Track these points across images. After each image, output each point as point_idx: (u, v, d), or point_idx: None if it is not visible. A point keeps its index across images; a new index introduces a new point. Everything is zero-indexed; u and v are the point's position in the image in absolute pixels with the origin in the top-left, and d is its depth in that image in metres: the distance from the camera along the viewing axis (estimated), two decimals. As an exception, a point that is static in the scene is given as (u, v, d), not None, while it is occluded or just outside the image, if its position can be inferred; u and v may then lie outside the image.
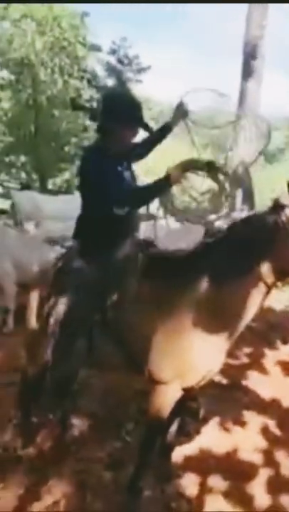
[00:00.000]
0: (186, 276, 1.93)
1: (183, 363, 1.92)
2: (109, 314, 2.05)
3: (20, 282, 4.47)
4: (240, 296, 1.84)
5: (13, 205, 7.77)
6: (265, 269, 1.79)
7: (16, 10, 12.27)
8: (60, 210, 6.67)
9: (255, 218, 1.93)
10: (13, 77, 13.57)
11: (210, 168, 2.05)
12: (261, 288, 1.83)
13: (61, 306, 2.14)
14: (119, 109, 2.08)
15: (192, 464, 2.43)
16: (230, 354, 3.80)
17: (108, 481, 2.27)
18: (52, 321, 2.15)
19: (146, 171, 10.20)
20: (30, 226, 5.81)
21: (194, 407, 2.79)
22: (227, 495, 2.22)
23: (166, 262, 2.10)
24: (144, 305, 2.00)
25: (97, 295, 2.06)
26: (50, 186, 14.87)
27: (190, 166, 2.03)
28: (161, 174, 2.03)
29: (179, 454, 2.46)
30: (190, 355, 1.90)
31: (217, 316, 1.86)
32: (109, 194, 2.01)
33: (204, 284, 1.87)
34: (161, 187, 2.05)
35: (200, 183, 2.14)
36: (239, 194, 8.02)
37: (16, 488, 2.21)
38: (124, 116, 2.07)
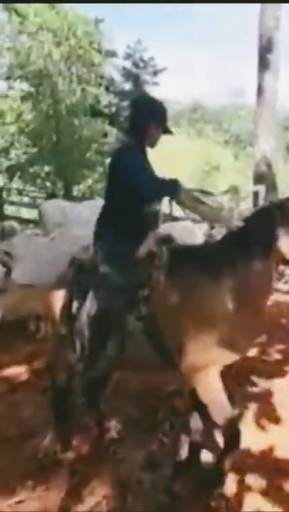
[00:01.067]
0: (213, 265, 2.10)
1: (218, 345, 2.03)
2: (143, 310, 2.14)
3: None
4: (263, 277, 2.04)
5: (40, 214, 7.92)
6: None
7: (32, 23, 12.54)
8: (86, 216, 6.79)
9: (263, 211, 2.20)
10: (33, 89, 13.86)
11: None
12: (274, 267, 2.07)
13: (89, 307, 2.21)
14: (152, 110, 2.35)
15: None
16: (263, 351, 3.80)
17: (147, 481, 2.31)
18: (79, 323, 2.23)
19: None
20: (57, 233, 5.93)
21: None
22: (265, 493, 2.22)
23: (192, 254, 2.28)
24: (174, 297, 2.10)
25: (127, 293, 2.15)
26: (75, 193, 15.08)
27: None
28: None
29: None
30: (224, 336, 2.02)
31: (245, 296, 2.03)
32: (147, 188, 2.19)
33: (231, 270, 2.05)
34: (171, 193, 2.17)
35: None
36: (262, 189, 7.94)
37: (58, 491, 2.28)
38: (156, 117, 2.34)
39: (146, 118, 2.32)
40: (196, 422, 2.33)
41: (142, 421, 2.84)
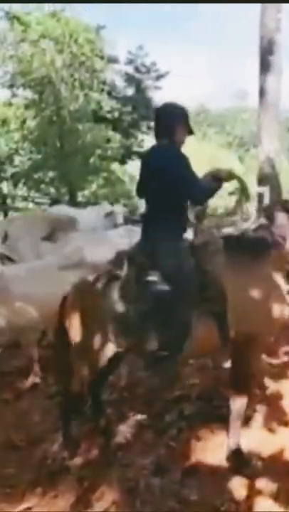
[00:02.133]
0: (256, 249, 2.53)
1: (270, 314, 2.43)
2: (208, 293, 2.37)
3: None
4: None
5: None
6: None
7: (34, 31, 12.64)
8: (91, 221, 6.84)
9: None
10: (36, 96, 13.96)
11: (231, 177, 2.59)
12: None
13: (153, 296, 2.36)
14: (178, 113, 2.62)
15: (239, 466, 2.42)
16: (271, 353, 3.77)
17: (156, 486, 2.29)
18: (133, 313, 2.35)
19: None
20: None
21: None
22: (276, 497, 2.20)
23: (240, 242, 2.69)
24: (232, 280, 2.38)
25: (192, 278, 2.39)
26: (79, 198, 15.13)
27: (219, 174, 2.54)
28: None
29: (225, 457, 2.46)
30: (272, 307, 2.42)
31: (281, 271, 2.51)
32: (194, 185, 2.48)
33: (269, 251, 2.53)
34: (216, 187, 2.53)
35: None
36: (267, 191, 7.93)
37: (67, 497, 2.27)
38: (182, 119, 2.60)
39: (174, 120, 2.58)
40: None
41: (149, 426, 2.82)
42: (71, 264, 3.72)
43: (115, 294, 2.40)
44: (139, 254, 2.49)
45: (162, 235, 2.47)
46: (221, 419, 2.61)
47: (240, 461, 2.42)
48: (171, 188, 2.45)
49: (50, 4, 12.83)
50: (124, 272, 2.43)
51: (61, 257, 3.91)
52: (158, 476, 2.35)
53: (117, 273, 2.44)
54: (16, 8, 11.82)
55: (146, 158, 2.71)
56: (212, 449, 2.56)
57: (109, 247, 3.58)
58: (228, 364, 3.53)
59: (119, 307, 2.37)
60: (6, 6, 9.95)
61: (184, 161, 2.47)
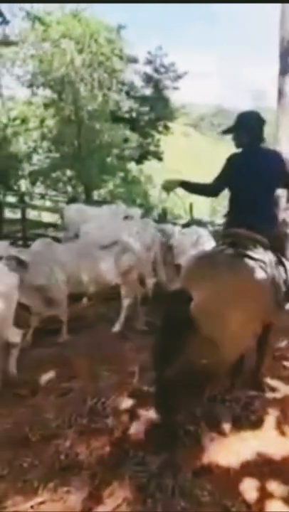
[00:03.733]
0: None
1: None
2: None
3: (72, 293, 4.65)
4: None
5: (62, 218, 8.06)
6: None
7: (55, 31, 12.78)
8: (107, 219, 6.91)
9: None
10: (55, 96, 14.10)
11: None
12: None
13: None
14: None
15: (250, 468, 2.42)
16: (282, 356, 3.76)
17: (167, 485, 2.31)
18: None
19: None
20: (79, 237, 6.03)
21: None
22: (287, 500, 2.19)
23: None
24: None
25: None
26: (95, 197, 15.21)
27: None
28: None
29: (237, 458, 2.47)
30: None
31: None
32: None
33: None
34: None
35: None
36: (284, 193, 7.83)
37: (79, 493, 2.30)
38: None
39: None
40: None
41: (162, 424, 2.83)
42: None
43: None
44: None
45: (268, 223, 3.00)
46: (234, 420, 2.61)
47: None
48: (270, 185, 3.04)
49: (72, 4, 12.94)
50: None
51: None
52: (169, 476, 2.36)
53: None
54: (37, 8, 11.96)
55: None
56: (224, 450, 2.56)
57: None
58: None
59: None
60: (27, 5, 10.08)
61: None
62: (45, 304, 4.39)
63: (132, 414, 2.95)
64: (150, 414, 2.92)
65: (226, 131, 3.17)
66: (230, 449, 2.55)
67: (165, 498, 2.22)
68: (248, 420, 2.81)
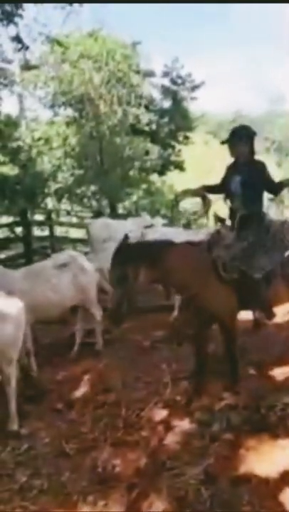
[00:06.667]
0: None
1: None
2: None
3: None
4: None
5: (88, 233, 8.17)
6: None
7: (73, 52, 13.14)
8: (132, 232, 6.97)
9: None
10: (76, 114, 14.42)
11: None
12: None
13: None
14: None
15: (289, 478, 2.38)
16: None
17: (206, 496, 2.29)
18: None
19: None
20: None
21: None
22: None
23: None
24: None
25: None
26: (120, 211, 15.35)
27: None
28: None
29: (275, 467, 2.43)
30: None
31: None
32: None
33: None
34: None
35: None
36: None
37: (118, 505, 2.31)
38: None
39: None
40: None
41: (197, 434, 2.83)
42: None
43: None
44: None
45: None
46: (269, 429, 2.58)
47: None
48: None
49: (88, 24, 13.29)
50: None
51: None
52: (207, 486, 2.35)
53: None
54: (56, 32, 12.33)
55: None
56: (261, 459, 2.53)
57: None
58: (272, 372, 3.49)
59: None
60: (46, 30, 10.43)
61: None
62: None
63: (167, 425, 2.95)
64: (184, 424, 2.92)
65: (223, 142, 3.54)
66: (267, 458, 2.51)
67: (204, 509, 2.21)
68: (285, 428, 2.77)
